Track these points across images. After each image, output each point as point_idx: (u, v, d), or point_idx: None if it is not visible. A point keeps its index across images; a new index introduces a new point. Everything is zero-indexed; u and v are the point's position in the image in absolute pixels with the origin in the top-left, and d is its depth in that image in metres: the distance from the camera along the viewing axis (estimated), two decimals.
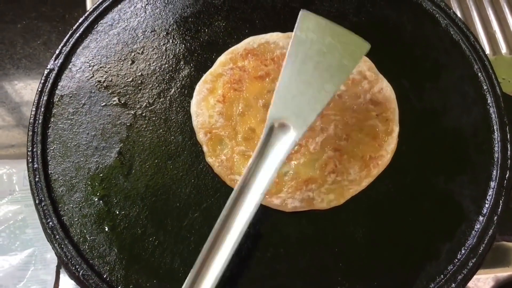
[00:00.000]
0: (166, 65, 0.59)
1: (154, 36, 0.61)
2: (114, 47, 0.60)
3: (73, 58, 0.59)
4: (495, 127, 0.56)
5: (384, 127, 0.55)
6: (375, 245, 0.50)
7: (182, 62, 0.59)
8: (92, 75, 0.58)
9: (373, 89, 0.57)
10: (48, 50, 0.82)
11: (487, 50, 0.79)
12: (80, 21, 0.61)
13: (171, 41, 0.60)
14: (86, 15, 0.61)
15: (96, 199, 0.52)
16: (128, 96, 0.57)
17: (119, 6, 0.62)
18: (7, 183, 0.69)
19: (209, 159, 0.53)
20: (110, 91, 0.57)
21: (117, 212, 0.51)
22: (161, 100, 0.57)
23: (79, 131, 0.55)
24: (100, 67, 0.58)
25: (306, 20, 0.50)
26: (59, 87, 0.57)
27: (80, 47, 0.59)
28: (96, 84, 0.57)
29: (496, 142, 0.56)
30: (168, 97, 0.57)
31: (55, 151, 0.54)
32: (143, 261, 0.49)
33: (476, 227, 0.52)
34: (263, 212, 0.51)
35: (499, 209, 0.52)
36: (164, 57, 0.59)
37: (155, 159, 0.54)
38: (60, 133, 0.55)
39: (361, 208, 0.52)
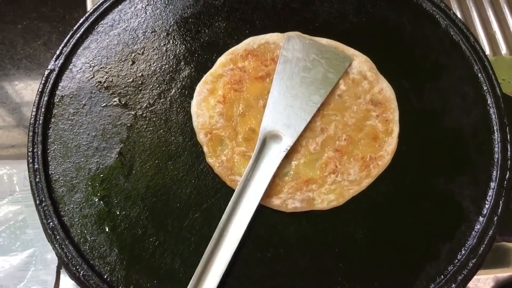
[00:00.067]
0: (167, 66, 0.59)
1: (154, 37, 0.61)
2: (114, 47, 0.60)
3: (74, 59, 0.59)
4: (495, 128, 0.56)
5: (384, 128, 0.55)
6: (375, 245, 0.51)
7: (182, 63, 0.59)
8: (92, 76, 0.58)
9: (373, 89, 0.57)
10: (49, 50, 0.82)
11: (487, 51, 0.79)
12: (80, 21, 0.61)
13: (171, 41, 0.60)
14: (86, 15, 0.61)
15: (97, 199, 0.52)
16: (128, 96, 0.57)
17: (120, 6, 0.62)
18: (8, 183, 0.69)
19: (210, 160, 0.53)
20: (111, 92, 0.57)
21: (118, 213, 0.51)
22: (161, 100, 0.57)
23: (79, 131, 0.55)
24: (101, 68, 0.58)
25: (291, 41, 0.57)
26: (59, 87, 0.57)
27: (81, 48, 0.59)
28: (97, 84, 0.57)
29: (496, 142, 0.56)
30: (169, 98, 0.57)
31: (56, 151, 0.54)
32: (143, 261, 0.49)
33: (476, 227, 0.52)
34: (264, 213, 0.51)
35: (499, 210, 0.52)
36: (164, 58, 0.59)
37: (155, 160, 0.54)
38: (60, 134, 0.55)
39: (361, 208, 0.52)
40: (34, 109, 0.55)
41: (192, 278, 0.46)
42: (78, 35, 0.60)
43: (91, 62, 0.59)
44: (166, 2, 0.63)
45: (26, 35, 0.83)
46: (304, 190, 0.51)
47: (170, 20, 0.62)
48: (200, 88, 0.57)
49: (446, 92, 0.58)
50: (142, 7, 0.63)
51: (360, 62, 0.58)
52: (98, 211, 0.51)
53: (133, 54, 0.59)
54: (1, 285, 0.62)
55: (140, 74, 0.58)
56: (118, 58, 0.59)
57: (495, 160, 0.55)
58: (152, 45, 0.60)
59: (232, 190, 0.52)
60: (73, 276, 0.48)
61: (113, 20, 0.61)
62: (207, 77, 0.57)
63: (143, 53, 0.60)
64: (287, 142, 0.52)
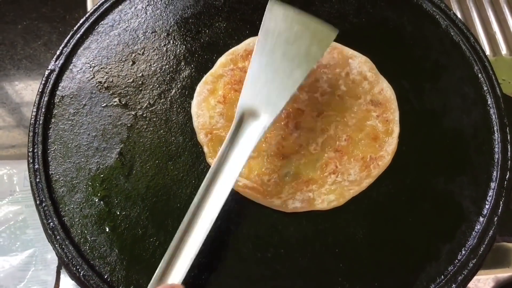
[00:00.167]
0: (167, 66, 0.59)
1: (154, 37, 0.61)
2: (115, 48, 0.60)
3: (74, 59, 0.59)
4: (495, 128, 0.56)
5: (384, 128, 0.55)
6: (375, 245, 0.51)
7: (182, 63, 0.59)
8: (93, 76, 0.58)
9: (373, 90, 0.57)
10: (49, 51, 0.82)
11: (487, 51, 0.79)
12: (80, 22, 0.61)
13: (171, 42, 0.61)
14: (86, 16, 0.61)
15: (97, 199, 0.52)
16: (128, 97, 0.57)
17: (120, 7, 0.63)
18: (8, 183, 0.69)
19: (210, 160, 0.53)
20: (111, 92, 0.57)
21: (118, 213, 0.51)
22: (161, 101, 0.57)
23: (80, 131, 0.55)
24: (101, 68, 0.58)
25: (274, 9, 0.51)
26: (60, 88, 0.57)
27: (81, 48, 0.60)
28: (97, 85, 0.58)
29: (496, 143, 0.56)
30: (169, 98, 0.57)
31: (56, 151, 0.54)
32: (144, 261, 0.49)
33: (476, 227, 0.52)
34: (264, 213, 0.51)
35: (499, 210, 0.52)
36: (164, 58, 0.59)
37: (155, 160, 0.54)
38: (61, 134, 0.55)
39: (361, 208, 0.52)
40: (35, 109, 0.55)
41: (162, 261, 0.44)
42: (78, 35, 0.60)
43: (91, 63, 0.59)
44: (167, 3, 0.63)
45: (26, 35, 0.83)
46: (304, 190, 0.51)
47: (170, 20, 0.62)
48: (201, 89, 0.57)
49: (446, 93, 0.58)
50: (143, 8, 0.63)
51: (360, 63, 0.58)
52: (98, 211, 0.51)
53: (133, 55, 0.59)
54: (1, 285, 0.62)
55: (140, 74, 0.58)
56: (119, 58, 0.59)
57: (495, 160, 0.55)
58: (153, 45, 0.60)
59: (232, 191, 0.51)
60: (73, 276, 0.48)
61: (114, 21, 0.62)
62: (207, 77, 0.57)
63: (143, 53, 0.60)
64: (266, 119, 0.48)
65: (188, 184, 0.53)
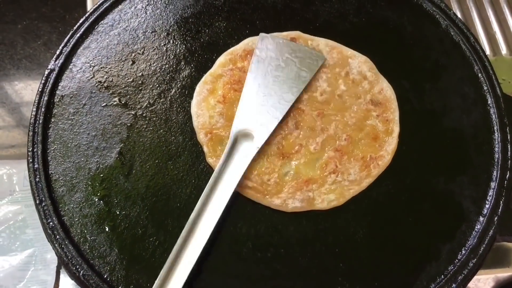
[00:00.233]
0: (167, 66, 0.59)
1: (154, 37, 0.61)
2: (114, 47, 0.60)
3: (74, 59, 0.59)
4: (495, 128, 0.56)
5: (384, 128, 0.55)
6: (375, 245, 0.50)
7: (182, 63, 0.59)
8: (92, 76, 0.58)
9: (373, 89, 0.57)
10: (49, 50, 0.82)
11: (487, 51, 0.79)
12: (80, 21, 0.61)
13: (171, 41, 0.60)
14: (86, 15, 0.61)
15: (97, 199, 0.52)
16: (128, 96, 0.57)
17: (120, 6, 0.62)
18: (7, 183, 0.69)
19: (210, 160, 0.53)
20: (111, 92, 0.57)
21: (118, 213, 0.51)
22: (161, 100, 0.57)
23: (79, 131, 0.55)
24: (101, 68, 0.58)
25: (264, 41, 0.57)
26: (59, 87, 0.57)
27: (81, 48, 0.59)
28: (97, 84, 0.57)
29: (496, 142, 0.56)
30: (169, 98, 0.57)
31: (56, 151, 0.54)
32: (143, 261, 0.49)
33: (476, 227, 0.52)
34: (264, 213, 0.51)
35: (500, 210, 0.52)
36: (164, 58, 0.59)
37: (155, 160, 0.54)
38: (60, 133, 0.55)
39: (361, 208, 0.52)
40: (34, 109, 0.55)
41: (160, 274, 0.46)
42: (78, 35, 0.60)
43: (91, 62, 0.59)
44: (166, 2, 0.63)
45: (26, 35, 0.83)
46: (304, 190, 0.51)
47: (170, 20, 0.62)
48: (200, 88, 0.57)
49: (446, 92, 0.58)
50: (142, 7, 0.63)
51: (360, 62, 0.58)
52: (98, 211, 0.51)
53: (133, 54, 0.59)
54: (1, 285, 0.62)
55: (140, 74, 0.58)
56: (118, 58, 0.59)
57: (495, 160, 0.55)
58: (152, 45, 0.60)
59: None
60: (73, 275, 0.48)
61: (113, 20, 0.61)
62: (206, 77, 0.57)
63: (143, 53, 0.60)
64: (258, 140, 0.52)
65: (188, 183, 0.53)
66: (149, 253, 0.49)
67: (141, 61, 0.59)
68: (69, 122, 0.55)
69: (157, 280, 0.45)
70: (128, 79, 0.58)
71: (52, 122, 0.55)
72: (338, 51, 0.58)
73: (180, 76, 0.58)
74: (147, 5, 0.63)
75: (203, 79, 0.57)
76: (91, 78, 0.58)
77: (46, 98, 0.56)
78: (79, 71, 0.58)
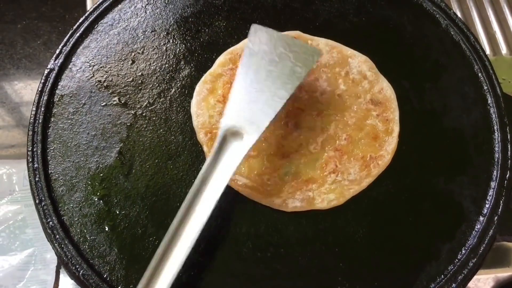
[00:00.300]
0: (167, 65, 0.59)
1: (154, 36, 0.61)
2: (114, 47, 0.60)
3: (74, 58, 0.59)
4: (495, 128, 0.56)
5: (384, 127, 0.55)
6: (375, 245, 0.50)
7: (182, 62, 0.59)
8: (92, 75, 0.58)
9: (373, 89, 0.57)
10: (48, 50, 0.82)
11: (487, 51, 0.79)
12: (80, 21, 0.61)
13: (171, 41, 0.60)
14: (86, 15, 0.61)
15: (96, 199, 0.52)
16: (128, 96, 0.57)
17: (120, 6, 0.62)
18: (7, 183, 0.69)
19: None
20: (111, 91, 0.57)
21: (118, 212, 0.51)
22: (161, 100, 0.57)
23: (79, 130, 0.55)
24: (101, 67, 0.58)
25: (257, 33, 0.52)
26: (59, 86, 0.57)
27: (81, 47, 0.59)
28: (97, 84, 0.57)
29: (497, 142, 0.56)
30: (169, 97, 0.57)
31: (55, 150, 0.54)
32: (143, 260, 0.49)
33: (476, 227, 0.52)
34: (264, 212, 0.51)
35: (500, 210, 0.52)
36: (164, 57, 0.59)
37: (155, 159, 0.54)
38: (60, 133, 0.55)
39: (361, 208, 0.52)
40: (34, 108, 0.55)
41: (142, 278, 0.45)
42: (78, 34, 0.60)
43: (91, 61, 0.59)
44: (166, 2, 0.63)
45: (26, 34, 0.83)
46: (304, 190, 0.51)
47: (170, 19, 0.62)
48: (200, 88, 0.57)
49: (446, 92, 0.58)
50: (142, 6, 0.63)
51: (360, 62, 0.58)
52: (97, 211, 0.51)
53: (133, 54, 0.59)
54: (1, 285, 0.62)
55: (140, 73, 0.58)
56: (118, 57, 0.59)
57: (496, 160, 0.55)
58: (152, 44, 0.60)
59: (232, 190, 0.52)
60: (73, 275, 0.48)
61: (113, 20, 0.61)
62: (206, 76, 0.57)
63: (143, 52, 0.60)
64: (249, 139, 0.47)
65: (188, 183, 0.52)
66: (149, 252, 0.49)
67: (140, 60, 0.59)
68: (69, 121, 0.55)
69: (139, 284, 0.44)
70: (128, 79, 0.58)
71: (52, 122, 0.55)
72: (338, 50, 0.58)
73: (180, 75, 0.58)
74: (147, 4, 0.63)
75: (202, 78, 0.57)
76: (91, 77, 0.58)
77: (45, 97, 0.56)
78: (78, 70, 0.58)
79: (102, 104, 0.56)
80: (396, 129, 0.55)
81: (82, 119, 0.55)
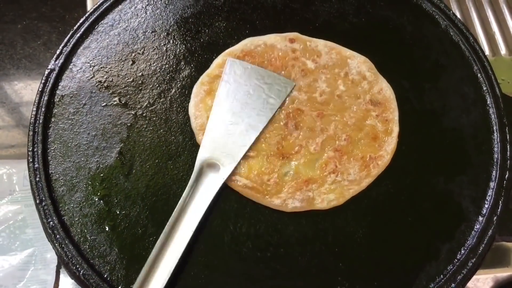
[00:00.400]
0: (167, 66, 0.59)
1: (154, 37, 0.61)
2: (114, 47, 0.60)
3: (74, 59, 0.59)
4: (494, 128, 0.57)
5: (384, 128, 0.55)
6: (375, 245, 0.51)
7: (182, 63, 0.59)
8: (92, 75, 0.58)
9: (372, 89, 0.57)
10: (48, 50, 0.82)
11: (487, 51, 0.79)
12: (80, 21, 0.61)
13: (171, 41, 0.61)
14: (86, 15, 0.61)
15: (97, 199, 0.52)
16: (128, 96, 0.57)
17: (120, 6, 0.63)
18: (7, 183, 0.69)
19: None
20: (111, 91, 0.57)
21: (118, 212, 0.51)
22: (161, 100, 0.57)
23: (79, 131, 0.55)
24: (101, 68, 0.58)
25: (233, 66, 0.55)
26: (59, 87, 0.57)
27: (81, 48, 0.60)
28: (97, 84, 0.58)
29: (496, 142, 0.56)
30: (169, 98, 0.57)
31: (56, 151, 0.54)
32: (143, 260, 0.48)
33: (475, 227, 0.52)
34: (264, 212, 0.51)
35: (499, 210, 0.52)
36: (164, 58, 0.59)
37: (155, 159, 0.54)
38: (60, 133, 0.55)
39: (361, 208, 0.52)
40: (34, 109, 0.55)
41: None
42: (78, 34, 0.60)
43: (91, 62, 0.59)
44: (166, 2, 0.63)
45: (26, 35, 0.83)
46: (304, 190, 0.51)
47: (170, 20, 0.62)
48: (197, 89, 0.57)
49: (446, 92, 0.58)
50: (142, 7, 0.63)
51: (359, 63, 0.58)
52: (98, 211, 0.51)
53: (133, 54, 0.59)
54: (1, 284, 0.62)
55: (140, 73, 0.58)
56: (118, 58, 0.59)
57: (495, 160, 0.55)
58: (152, 44, 0.60)
59: (231, 190, 0.52)
60: (73, 275, 0.48)
61: (113, 20, 0.62)
62: (203, 78, 0.57)
63: (143, 52, 0.60)
64: (225, 171, 0.51)
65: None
66: (149, 252, 0.49)
67: (141, 61, 0.59)
68: (69, 121, 0.55)
69: None
70: (128, 79, 0.58)
71: (52, 122, 0.55)
72: (337, 51, 0.59)
73: (180, 76, 0.58)
74: (147, 5, 0.63)
75: (200, 79, 0.57)
76: (91, 78, 0.58)
77: (46, 98, 0.56)
78: (79, 71, 0.58)
79: (102, 105, 0.56)
80: (395, 129, 0.55)
81: (82, 120, 0.55)
